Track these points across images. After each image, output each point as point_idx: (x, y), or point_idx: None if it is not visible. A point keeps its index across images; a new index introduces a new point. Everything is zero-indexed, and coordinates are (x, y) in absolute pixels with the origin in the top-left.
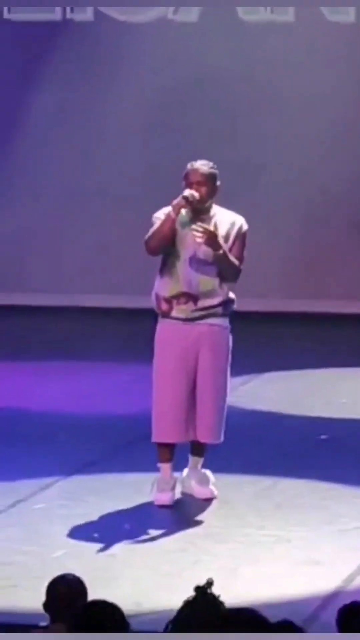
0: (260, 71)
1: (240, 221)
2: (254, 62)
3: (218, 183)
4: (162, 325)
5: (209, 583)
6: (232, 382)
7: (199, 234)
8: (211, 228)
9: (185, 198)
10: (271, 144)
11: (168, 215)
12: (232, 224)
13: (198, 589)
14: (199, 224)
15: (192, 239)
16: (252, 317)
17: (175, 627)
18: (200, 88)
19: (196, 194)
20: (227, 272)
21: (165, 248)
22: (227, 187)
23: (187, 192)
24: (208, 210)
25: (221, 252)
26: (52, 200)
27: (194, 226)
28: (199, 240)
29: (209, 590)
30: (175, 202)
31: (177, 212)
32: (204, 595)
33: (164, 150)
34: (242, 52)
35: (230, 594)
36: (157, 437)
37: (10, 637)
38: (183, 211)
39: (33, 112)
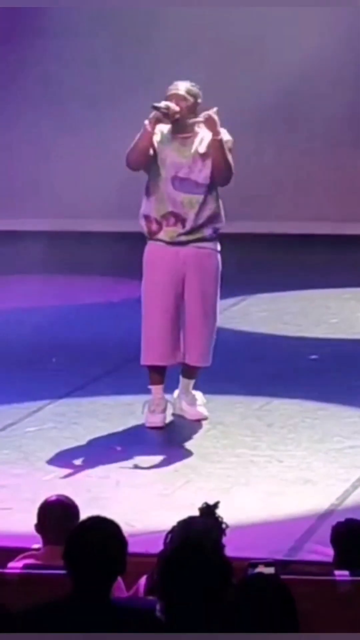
0: None
1: (225, 133)
2: None
3: (200, 100)
4: (149, 247)
5: (216, 504)
6: (223, 304)
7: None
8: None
9: (157, 108)
10: None
11: (144, 129)
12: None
13: (205, 508)
14: (166, 103)
15: (173, 158)
16: (244, 239)
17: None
18: None
19: (173, 106)
20: (221, 165)
21: (145, 163)
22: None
23: (163, 103)
24: (192, 128)
25: (219, 138)
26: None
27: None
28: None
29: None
30: (151, 115)
31: (153, 126)
32: (209, 516)
33: None
34: None
35: (224, 514)
36: (145, 360)
37: (10, 638)
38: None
39: None
